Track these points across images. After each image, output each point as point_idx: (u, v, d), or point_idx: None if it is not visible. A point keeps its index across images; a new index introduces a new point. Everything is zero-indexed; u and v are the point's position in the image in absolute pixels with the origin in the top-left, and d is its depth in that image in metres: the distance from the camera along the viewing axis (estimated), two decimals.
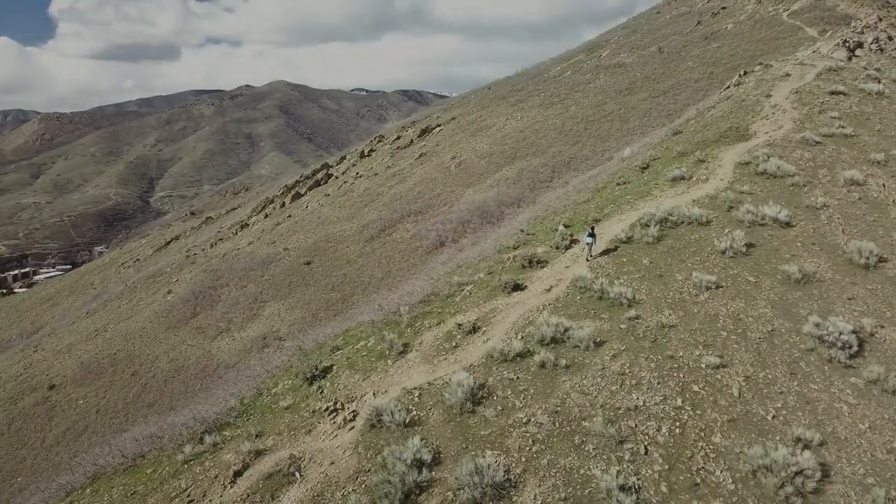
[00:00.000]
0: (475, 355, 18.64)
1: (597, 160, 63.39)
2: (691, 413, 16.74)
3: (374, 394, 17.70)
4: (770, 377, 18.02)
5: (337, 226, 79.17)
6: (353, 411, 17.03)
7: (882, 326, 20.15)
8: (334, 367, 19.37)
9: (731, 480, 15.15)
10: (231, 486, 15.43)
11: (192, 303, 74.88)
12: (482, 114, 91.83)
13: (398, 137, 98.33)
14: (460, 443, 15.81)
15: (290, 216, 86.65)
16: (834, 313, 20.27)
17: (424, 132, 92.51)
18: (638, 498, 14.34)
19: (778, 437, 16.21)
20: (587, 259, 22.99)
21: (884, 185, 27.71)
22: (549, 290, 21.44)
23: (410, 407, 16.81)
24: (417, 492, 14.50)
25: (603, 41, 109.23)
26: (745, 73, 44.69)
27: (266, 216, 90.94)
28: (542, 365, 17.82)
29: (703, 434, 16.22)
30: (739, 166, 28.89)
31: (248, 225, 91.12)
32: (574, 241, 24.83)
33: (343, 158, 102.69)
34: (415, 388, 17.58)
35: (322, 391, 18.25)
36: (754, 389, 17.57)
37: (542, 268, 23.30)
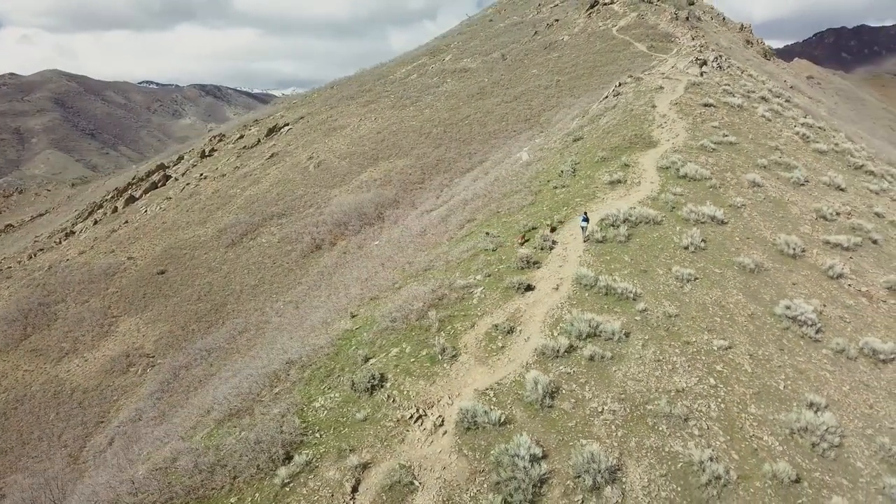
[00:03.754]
0: (525, 354, 19.67)
1: (465, 163, 66.15)
2: (725, 390, 19.22)
3: (449, 398, 18.06)
4: (767, 354, 21.13)
5: (188, 231, 74.21)
6: (440, 416, 17.31)
7: (825, 306, 24.35)
8: (390, 376, 19.27)
9: (777, 443, 17.80)
10: (353, 502, 15.13)
11: (20, 322, 66.09)
12: (332, 113, 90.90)
13: (241, 136, 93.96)
14: (556, 435, 16.84)
15: (126, 222, 79.32)
16: (789, 297, 24.10)
17: (272, 131, 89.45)
18: (722, 466, 16.40)
19: (795, 404, 19.19)
20: (584, 240, 25.83)
21: (776, 186, 32.88)
22: (557, 289, 22.96)
23: (493, 407, 17.49)
24: (540, 484, 15.35)
25: (443, 45, 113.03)
26: (621, 83, 49.62)
27: (95, 222, 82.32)
28: (591, 358, 19.33)
29: (741, 407, 18.75)
30: (661, 170, 32.48)
31: (73, 233, 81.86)
32: (555, 242, 26.57)
33: (181, 158, 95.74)
34: (487, 390, 18.24)
35: (394, 400, 18.18)
36: (760, 365, 20.53)
37: (538, 268, 24.74)
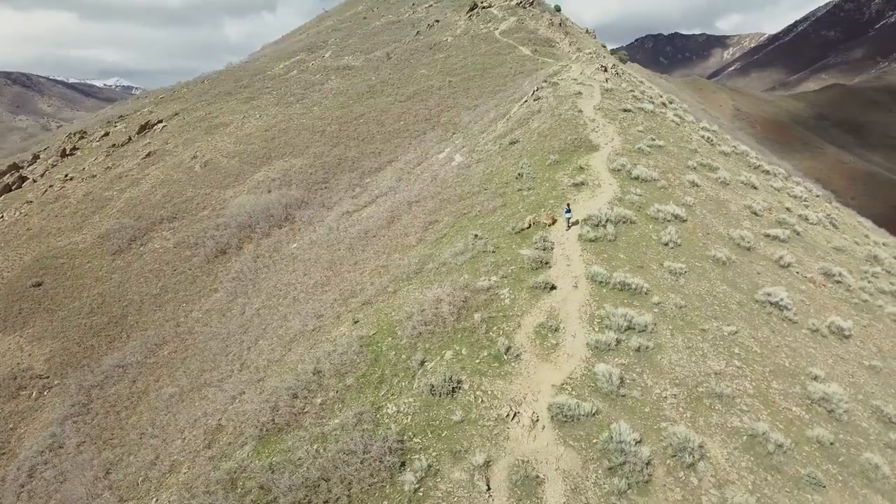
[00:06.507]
0: (579, 349, 21.06)
1: (371, 162, 65.99)
2: (749, 370, 21.81)
3: (533, 395, 19.01)
4: (765, 336, 24.10)
5: (62, 238, 67.49)
6: (534, 412, 18.25)
7: (788, 291, 27.94)
8: (464, 378, 19.75)
9: (804, 412, 20.63)
10: (491, 499, 15.71)
11: None
12: (210, 110, 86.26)
13: (107, 134, 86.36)
14: (640, 420, 18.40)
15: None
16: (762, 285, 27.45)
17: (144, 128, 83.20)
18: (781, 435, 18.81)
19: (802, 377, 22.23)
20: (567, 228, 28.72)
21: (710, 186, 36.72)
22: (576, 287, 24.51)
23: (579, 400, 18.70)
24: (647, 464, 16.84)
25: (321, 42, 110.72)
26: (539, 88, 52.22)
27: None
28: (638, 349, 21.14)
29: (765, 383, 21.42)
30: (614, 172, 35.04)
31: None
32: (552, 244, 28.06)
33: (36, 157, 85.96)
34: (563, 384, 19.43)
35: (482, 401, 18.76)
36: (764, 346, 23.42)
37: (549, 268, 26.11)
